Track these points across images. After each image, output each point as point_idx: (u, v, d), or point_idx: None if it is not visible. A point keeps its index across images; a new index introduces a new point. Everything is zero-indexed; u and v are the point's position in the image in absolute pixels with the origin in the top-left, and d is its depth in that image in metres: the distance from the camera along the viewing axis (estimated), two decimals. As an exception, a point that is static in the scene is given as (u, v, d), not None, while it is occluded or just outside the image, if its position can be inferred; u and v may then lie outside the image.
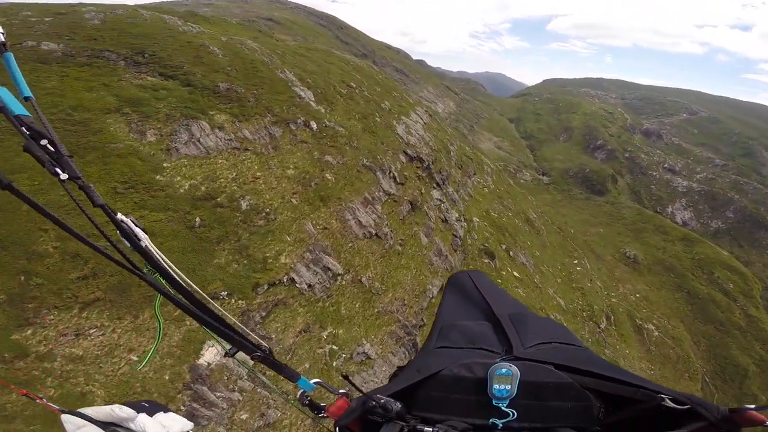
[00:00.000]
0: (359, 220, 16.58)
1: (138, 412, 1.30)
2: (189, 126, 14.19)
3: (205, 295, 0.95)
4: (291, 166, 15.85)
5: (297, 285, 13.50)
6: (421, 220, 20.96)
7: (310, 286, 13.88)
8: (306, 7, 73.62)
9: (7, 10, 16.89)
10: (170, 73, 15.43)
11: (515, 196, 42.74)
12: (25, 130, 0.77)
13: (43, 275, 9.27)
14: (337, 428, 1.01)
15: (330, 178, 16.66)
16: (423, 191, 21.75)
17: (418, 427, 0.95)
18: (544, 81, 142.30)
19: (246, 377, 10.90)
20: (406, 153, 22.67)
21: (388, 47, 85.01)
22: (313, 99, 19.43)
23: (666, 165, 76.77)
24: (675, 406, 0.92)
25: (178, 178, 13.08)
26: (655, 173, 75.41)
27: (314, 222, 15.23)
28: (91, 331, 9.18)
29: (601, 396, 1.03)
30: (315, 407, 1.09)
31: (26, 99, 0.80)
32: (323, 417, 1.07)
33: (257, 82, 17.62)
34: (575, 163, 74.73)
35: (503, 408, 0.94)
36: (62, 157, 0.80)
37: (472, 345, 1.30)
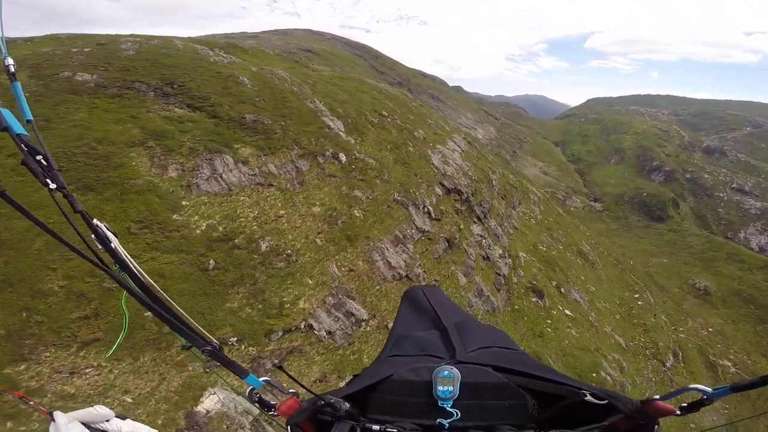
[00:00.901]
0: (388, 261, 15.26)
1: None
2: (212, 161, 13.77)
3: (164, 294, 0.98)
4: (317, 203, 14.98)
5: (315, 332, 12.26)
6: (459, 258, 19.29)
7: (329, 332, 12.58)
8: (342, 38, 76.24)
9: (64, 41, 17.85)
10: (197, 105, 15.32)
11: (566, 226, 39.82)
12: (23, 147, 0.86)
13: (44, 313, 9.04)
14: (289, 427, 1.05)
15: (358, 215, 15.60)
16: (461, 227, 20.17)
17: (367, 425, 1.02)
18: (588, 101, 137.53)
19: (249, 427, 9.79)
20: (442, 185, 21.34)
21: (423, 75, 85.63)
22: (343, 129, 18.76)
23: (734, 185, 69.14)
24: (595, 401, 1.04)
25: (196, 217, 12.50)
26: (722, 194, 68.11)
27: (339, 263, 14.09)
28: (87, 371, 8.64)
29: (535, 394, 1.10)
30: (265, 405, 1.11)
31: (28, 121, 0.90)
32: (274, 415, 1.08)
33: (285, 112, 17.22)
34: (630, 187, 69.71)
35: (448, 408, 0.99)
36: (53, 171, 0.88)
37: (422, 353, 1.39)
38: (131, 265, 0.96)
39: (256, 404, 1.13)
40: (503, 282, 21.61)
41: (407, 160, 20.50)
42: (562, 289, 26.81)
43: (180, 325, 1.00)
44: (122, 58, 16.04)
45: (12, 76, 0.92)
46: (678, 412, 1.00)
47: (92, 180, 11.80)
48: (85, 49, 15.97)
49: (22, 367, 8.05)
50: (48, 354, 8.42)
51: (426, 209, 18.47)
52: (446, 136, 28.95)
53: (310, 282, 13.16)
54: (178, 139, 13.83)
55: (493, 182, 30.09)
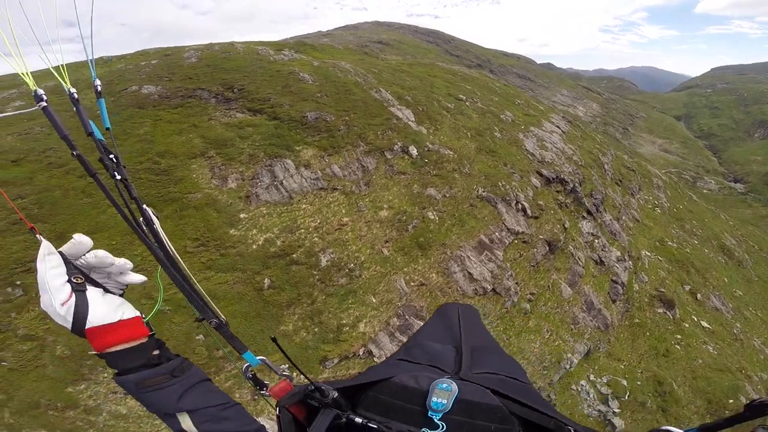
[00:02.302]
0: (469, 272, 12.58)
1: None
2: (272, 167, 12.60)
3: (189, 272, 1.05)
4: (385, 206, 12.97)
5: (375, 358, 10.29)
6: (564, 264, 15.68)
7: (401, 363, 10.46)
8: (411, 25, 73.27)
9: (150, 54, 18.66)
10: (257, 107, 14.37)
11: (701, 215, 32.19)
12: (102, 148, 1.02)
13: None
14: (278, 408, 1.06)
15: (433, 217, 13.19)
16: (567, 225, 16.44)
17: (351, 416, 1.02)
18: (713, 69, 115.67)
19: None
20: (540, 174, 17.75)
21: (505, 54, 78.41)
22: (413, 119, 16.44)
23: None
24: None
25: (254, 231, 11.37)
26: None
27: (408, 277, 11.88)
28: None
29: (525, 424, 1.09)
30: (258, 383, 1.12)
31: (107, 129, 1.09)
32: (266, 395, 1.09)
33: (349, 106, 15.51)
34: (784, 164, 55.76)
35: (436, 420, 0.98)
36: (120, 166, 1.03)
37: (429, 363, 1.39)
38: (167, 245, 1.05)
39: (250, 381, 1.13)
40: (621, 291, 17.29)
41: (493, 148, 17.38)
42: (699, 296, 21.16)
43: (198, 299, 1.05)
44: (185, 67, 15.89)
45: (98, 94, 1.11)
46: None
47: (153, 197, 11.35)
48: (152, 62, 16.19)
49: (83, 386, 8.20)
50: (105, 375, 8.47)
51: (520, 206, 15.26)
52: (541, 116, 24.75)
53: (374, 301, 11.21)
54: (238, 147, 12.95)
55: (605, 166, 25.01)
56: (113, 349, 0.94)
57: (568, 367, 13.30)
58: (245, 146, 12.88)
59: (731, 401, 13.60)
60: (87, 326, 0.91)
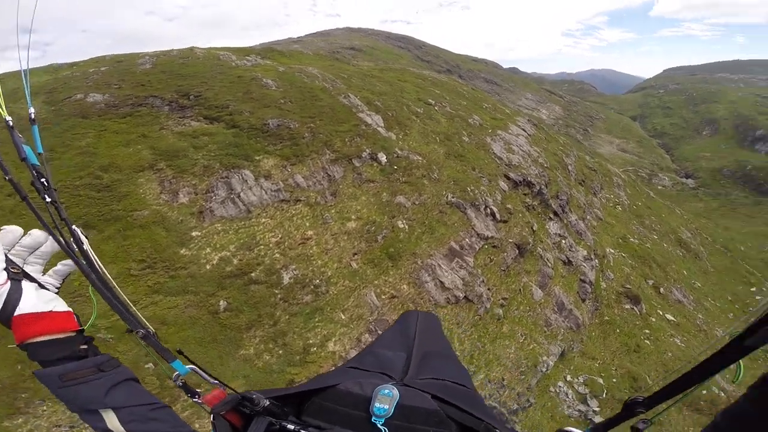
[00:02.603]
0: (440, 281, 12.06)
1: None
2: (228, 179, 11.63)
3: (120, 289, 1.06)
4: (353, 216, 12.25)
5: None
6: (533, 266, 15.46)
7: (377, 384, 9.76)
8: (383, 32, 73.02)
9: (83, 65, 17.10)
10: (215, 115, 13.33)
11: (659, 210, 33.27)
12: (34, 172, 1.01)
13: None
14: (213, 416, 1.03)
15: (402, 226, 12.60)
16: (535, 227, 16.26)
17: (284, 423, 1.00)
18: (666, 71, 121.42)
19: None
20: (507, 177, 17.53)
21: (474, 59, 79.50)
22: (383, 124, 15.83)
23: None
24: None
25: (208, 249, 10.38)
26: None
27: (379, 290, 11.22)
28: (86, 426, 7.12)
29: (461, 427, 1.10)
30: (189, 391, 1.10)
31: (39, 154, 1.06)
32: (198, 402, 1.08)
33: (315, 112, 14.71)
34: (729, 160, 58.93)
35: (379, 425, 0.99)
36: (50, 189, 1.02)
37: (378, 370, 1.39)
38: (96, 262, 1.03)
39: (181, 389, 1.10)
40: (589, 290, 17.31)
41: (462, 153, 17.01)
42: (662, 289, 21.62)
43: (125, 313, 1.03)
44: (137, 74, 14.63)
45: (32, 121, 1.10)
46: None
47: (93, 216, 10.14)
48: (102, 69, 14.82)
49: (20, 420, 7.60)
50: (45, 408, 7.82)
51: (489, 210, 14.91)
52: (507, 119, 24.74)
53: (343, 317, 10.47)
54: (192, 157, 11.88)
55: (569, 167, 25.26)
56: (38, 339, 0.91)
57: (544, 369, 13.01)
58: (199, 157, 11.84)
59: (704, 392, 13.68)
60: (16, 313, 0.89)
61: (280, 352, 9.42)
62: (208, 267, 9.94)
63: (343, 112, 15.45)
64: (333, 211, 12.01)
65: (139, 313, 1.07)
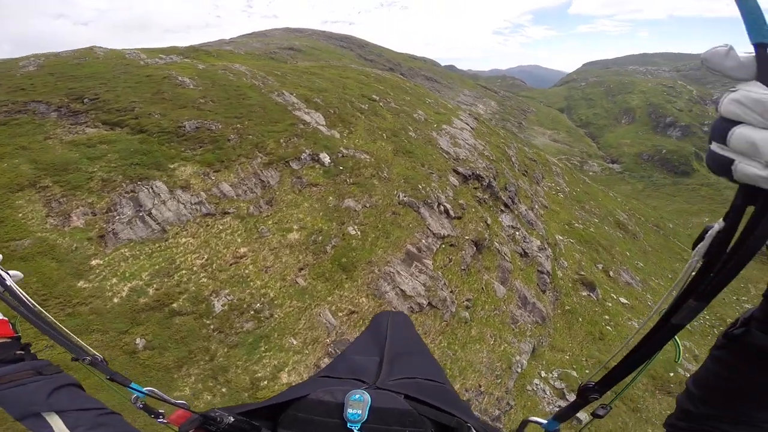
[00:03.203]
0: (401, 289, 10.70)
1: None
2: (136, 193, 9.37)
3: (52, 317, 1.03)
4: (295, 226, 10.48)
5: None
6: (492, 262, 14.61)
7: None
8: (324, 31, 70.77)
9: None
10: (116, 120, 10.88)
11: (595, 195, 34.53)
12: None
13: None
14: None
15: (354, 233, 11.05)
16: (489, 221, 15.43)
17: None
18: (585, 65, 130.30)
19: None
20: (456, 172, 16.58)
21: (414, 58, 79.78)
22: (324, 123, 14.15)
23: None
24: None
25: (113, 280, 8.14)
26: None
27: (334, 307, 9.61)
28: None
29: (436, 424, 1.08)
30: (152, 412, 1.08)
31: None
32: (163, 422, 1.04)
33: (242, 112, 12.69)
34: (647, 145, 64.13)
35: (355, 431, 0.96)
36: None
37: (351, 376, 1.36)
38: (23, 296, 1.01)
39: (143, 410, 1.07)
40: (548, 280, 16.86)
41: (410, 149, 15.78)
42: (611, 273, 21.97)
43: (64, 340, 0.99)
44: (16, 77, 11.70)
45: None
46: None
47: (-56, 251, 7.57)
48: (-30, 72, 11.73)
49: None
50: None
51: (442, 207, 13.79)
52: (450, 114, 24.02)
53: (295, 343, 8.74)
54: (86, 170, 9.44)
55: (512, 159, 25.08)
56: None
57: (519, 369, 12.11)
58: (96, 169, 9.45)
59: (671, 374, 13.62)
60: None
61: (224, 390, 7.51)
62: (116, 300, 7.74)
63: (276, 110, 13.56)
64: (270, 222, 10.17)
65: (80, 341, 1.03)
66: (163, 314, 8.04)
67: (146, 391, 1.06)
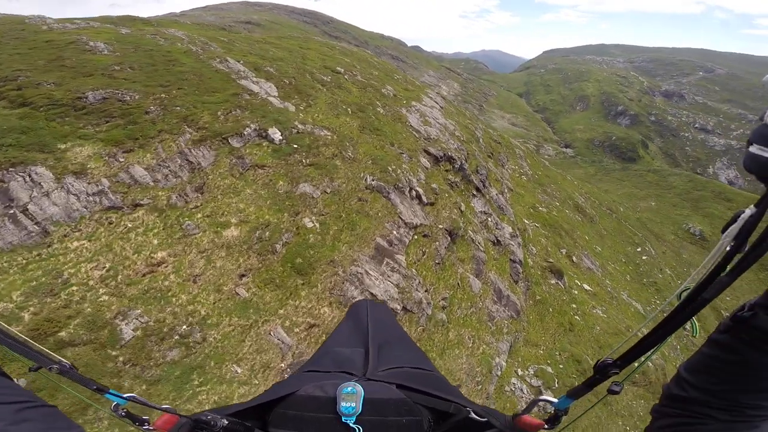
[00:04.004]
0: (371, 293, 8.66)
1: None
2: (5, 183, 6.55)
3: (3, 323, 0.83)
4: (234, 219, 8.04)
5: None
6: (466, 253, 12.91)
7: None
8: (286, 6, 65.01)
9: None
10: (-13, 86, 7.79)
11: (555, 178, 33.91)
12: None
13: None
14: None
15: (312, 225, 8.77)
16: (463, 207, 13.64)
17: None
18: (545, 52, 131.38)
19: None
20: (427, 152, 14.53)
21: (382, 37, 75.85)
22: (276, 93, 11.49)
23: (696, 125, 68.32)
24: (477, 417, 1.04)
25: (-41, 304, 5.50)
26: (687, 134, 66.86)
27: (289, 321, 7.43)
28: None
29: (432, 412, 1.04)
30: (136, 419, 0.94)
31: None
32: (149, 429, 0.93)
33: (170, 80, 9.79)
34: (599, 132, 65.31)
35: (351, 424, 0.91)
36: None
37: (338, 369, 1.28)
38: None
39: (125, 419, 0.92)
40: (520, 269, 15.52)
41: (378, 126, 13.47)
42: (574, 258, 21.19)
43: (21, 347, 0.81)
44: None
45: None
46: (546, 426, 0.99)
47: None
48: None
49: None
50: None
51: (414, 192, 11.76)
52: (419, 91, 21.76)
53: (239, 371, 6.54)
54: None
55: (480, 140, 23.44)
56: None
57: (499, 373, 10.66)
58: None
59: (636, 364, 12.80)
60: None
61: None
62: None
63: (216, 78, 10.74)
64: (199, 215, 7.67)
65: (40, 346, 0.86)
66: (47, 345, 5.52)
67: (127, 398, 0.91)
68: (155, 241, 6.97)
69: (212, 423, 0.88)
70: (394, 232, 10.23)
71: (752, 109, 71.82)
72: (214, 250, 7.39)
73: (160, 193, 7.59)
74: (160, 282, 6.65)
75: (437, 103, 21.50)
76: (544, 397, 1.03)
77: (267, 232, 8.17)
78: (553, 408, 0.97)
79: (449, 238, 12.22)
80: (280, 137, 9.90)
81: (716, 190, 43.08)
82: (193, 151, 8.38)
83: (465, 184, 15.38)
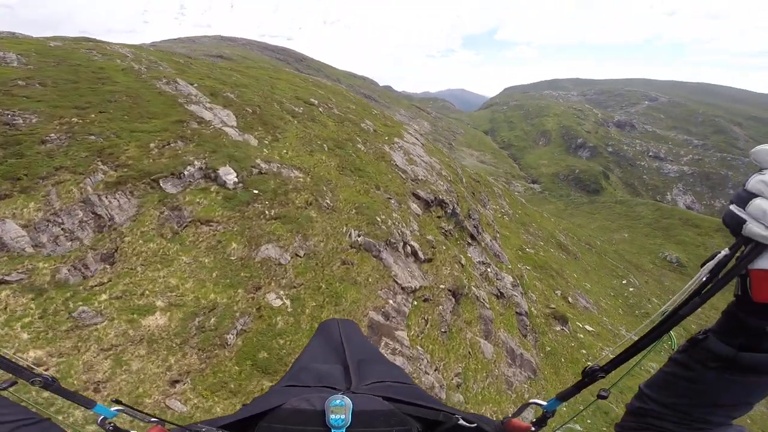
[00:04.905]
0: (367, 399, 6.07)
1: None
2: None
3: None
4: (159, 303, 5.32)
5: None
6: (472, 313, 10.60)
7: None
8: (260, 42, 64.25)
9: None
10: None
11: (534, 216, 33.04)
12: None
13: None
14: None
15: (280, 303, 6.15)
16: (463, 260, 11.48)
17: None
18: (505, 89, 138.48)
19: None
20: (417, 196, 12.47)
21: (354, 76, 76.61)
22: (234, 123, 9.11)
23: (650, 153, 72.05)
24: (466, 424, 1.03)
25: None
26: (642, 163, 70.20)
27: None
28: None
29: (420, 421, 1.04)
30: None
31: None
32: None
33: (92, 101, 7.22)
34: (562, 166, 67.25)
35: None
36: None
37: (319, 384, 1.28)
38: None
39: None
40: (527, 322, 13.38)
41: (359, 165, 11.32)
42: (570, 299, 19.58)
43: (6, 361, 0.77)
44: None
45: None
46: (533, 429, 1.02)
47: None
48: None
49: None
50: None
51: (409, 248, 9.47)
52: (399, 127, 20.17)
53: None
54: None
55: (463, 180, 21.95)
56: None
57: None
58: None
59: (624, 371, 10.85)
60: None
61: None
62: None
63: (156, 102, 8.26)
64: (104, 297, 4.93)
65: (21, 359, 0.82)
66: None
67: (115, 412, 0.89)
68: (25, 336, 4.14)
69: None
70: (391, 301, 7.77)
71: (695, 135, 77.06)
72: (127, 346, 4.61)
73: (41, 264, 4.81)
74: (34, 393, 3.73)
75: (418, 140, 19.91)
76: (533, 400, 1.03)
77: (212, 318, 5.48)
78: (541, 411, 1.01)
79: (453, 300, 9.89)
80: (236, 179, 7.41)
81: (683, 217, 44.23)
82: (104, 198, 5.71)
83: (459, 232, 13.33)
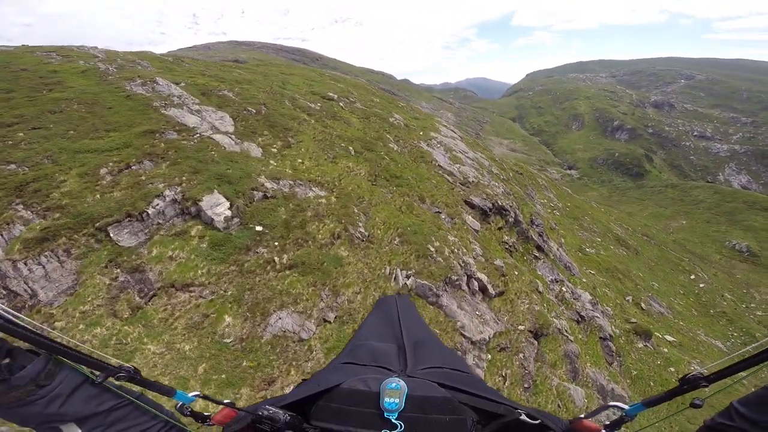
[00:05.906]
0: None
1: None
2: None
3: (53, 332, 0.61)
4: None
5: None
6: (555, 352, 7.92)
7: None
8: (274, 44, 62.83)
9: None
10: None
11: (584, 208, 29.43)
12: None
13: None
14: None
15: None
16: (540, 286, 8.77)
17: (309, 430, 0.91)
18: (528, 75, 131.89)
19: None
20: (470, 205, 9.84)
21: (372, 72, 74.14)
22: (230, 129, 6.82)
23: (695, 133, 65.78)
24: (529, 420, 0.99)
25: None
26: (688, 143, 64.06)
27: None
28: None
29: (477, 412, 1.02)
30: (199, 417, 0.96)
31: None
32: (210, 425, 0.95)
33: (27, 113, 5.16)
34: (600, 150, 62.15)
35: (393, 420, 0.90)
36: None
37: (374, 363, 1.27)
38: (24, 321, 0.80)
39: (190, 417, 0.95)
40: (612, 347, 10.54)
41: (395, 171, 8.80)
42: (642, 305, 16.40)
43: (81, 355, 0.77)
44: None
45: None
46: (603, 431, 0.97)
47: None
48: None
49: None
50: None
51: (475, 282, 6.92)
52: (431, 119, 17.49)
53: None
54: None
55: (510, 175, 19.02)
56: None
57: None
58: None
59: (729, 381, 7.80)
60: None
61: None
62: None
63: (122, 109, 6.10)
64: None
65: (103, 354, 0.81)
66: None
67: (193, 397, 0.93)
68: None
69: (276, 418, 0.88)
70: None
71: (742, 112, 70.72)
72: None
73: None
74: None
75: (456, 133, 17.18)
76: (614, 403, 0.98)
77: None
78: (619, 413, 0.95)
79: (536, 342, 7.27)
80: (228, 213, 5.08)
81: (747, 200, 38.94)
82: (22, 265, 3.53)
83: (524, 244, 10.59)
